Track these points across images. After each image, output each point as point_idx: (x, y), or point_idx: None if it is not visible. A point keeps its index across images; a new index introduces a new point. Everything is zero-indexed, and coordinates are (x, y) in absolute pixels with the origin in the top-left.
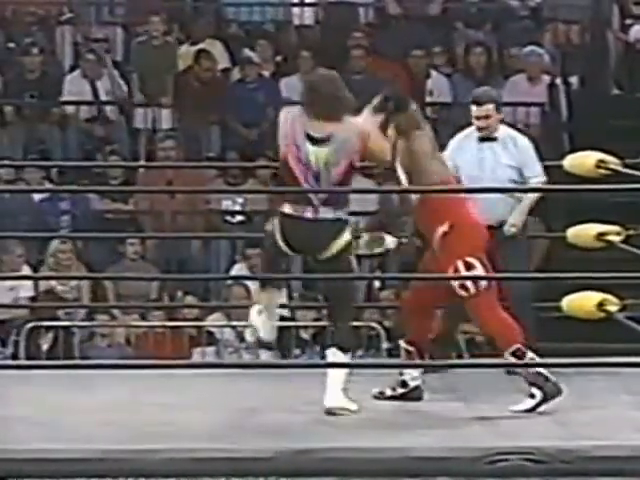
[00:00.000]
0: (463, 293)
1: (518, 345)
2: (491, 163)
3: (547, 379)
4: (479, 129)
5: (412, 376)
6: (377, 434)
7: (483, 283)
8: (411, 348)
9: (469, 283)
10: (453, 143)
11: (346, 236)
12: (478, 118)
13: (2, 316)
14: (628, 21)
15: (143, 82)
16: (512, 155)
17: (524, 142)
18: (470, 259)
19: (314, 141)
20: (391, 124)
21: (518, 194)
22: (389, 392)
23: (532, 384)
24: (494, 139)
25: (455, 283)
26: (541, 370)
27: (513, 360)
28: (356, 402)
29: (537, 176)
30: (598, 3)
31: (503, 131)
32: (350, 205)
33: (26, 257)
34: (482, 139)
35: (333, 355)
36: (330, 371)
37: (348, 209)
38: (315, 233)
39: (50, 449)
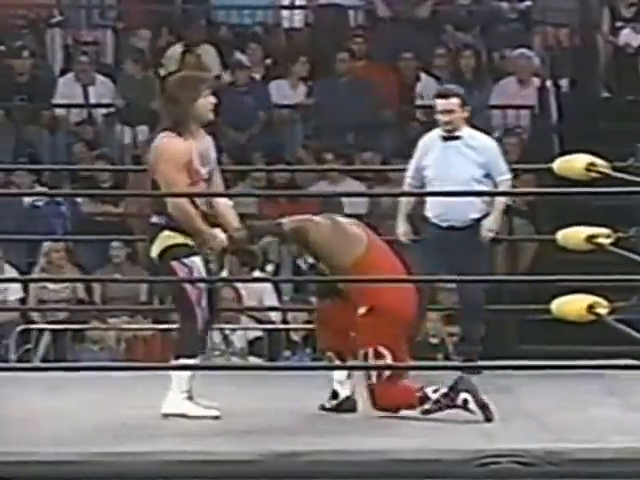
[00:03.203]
0: (366, 380)
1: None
2: (456, 162)
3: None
4: (444, 124)
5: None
6: (364, 436)
7: (387, 373)
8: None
9: (374, 373)
10: (419, 146)
11: (162, 241)
12: (442, 112)
13: None
14: (618, 24)
15: (130, 85)
16: (477, 154)
17: (488, 141)
18: (381, 349)
19: None
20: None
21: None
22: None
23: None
24: (458, 137)
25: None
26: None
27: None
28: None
29: (503, 174)
30: (587, 6)
31: (467, 131)
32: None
33: (13, 260)
34: (446, 138)
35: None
36: (173, 376)
37: (166, 215)
38: (148, 235)
39: (33, 452)
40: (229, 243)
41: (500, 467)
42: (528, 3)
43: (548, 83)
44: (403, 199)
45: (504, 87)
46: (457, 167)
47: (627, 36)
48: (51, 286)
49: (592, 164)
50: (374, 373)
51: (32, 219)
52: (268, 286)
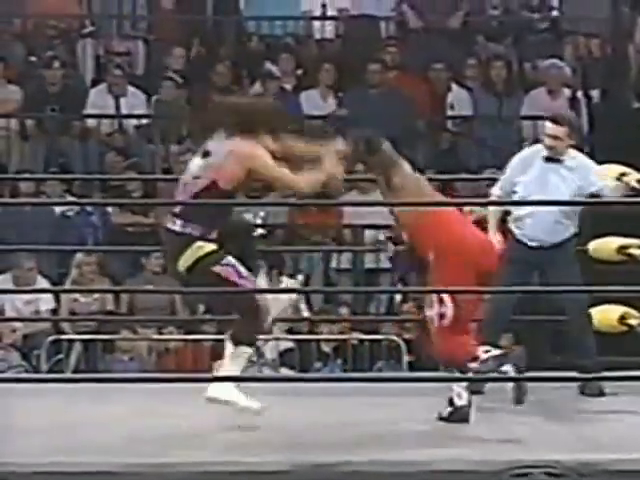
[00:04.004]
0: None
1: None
2: (552, 184)
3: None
4: (547, 148)
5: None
6: (398, 447)
7: (448, 317)
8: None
9: (435, 317)
10: (516, 160)
11: (193, 252)
12: (548, 136)
13: (24, 330)
14: None
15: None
16: (575, 175)
17: (584, 160)
18: (443, 297)
19: (204, 154)
20: (366, 166)
21: (572, 215)
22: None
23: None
24: (560, 161)
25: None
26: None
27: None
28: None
29: (593, 185)
30: (619, 16)
31: (569, 154)
32: (210, 222)
33: (45, 271)
34: (548, 159)
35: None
36: (225, 362)
37: (202, 226)
38: (168, 244)
39: (69, 462)
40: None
41: (532, 478)
42: (558, 14)
43: (579, 93)
44: (491, 208)
45: (535, 98)
46: (553, 189)
47: None
48: (83, 299)
49: (623, 174)
50: (437, 318)
51: (64, 229)
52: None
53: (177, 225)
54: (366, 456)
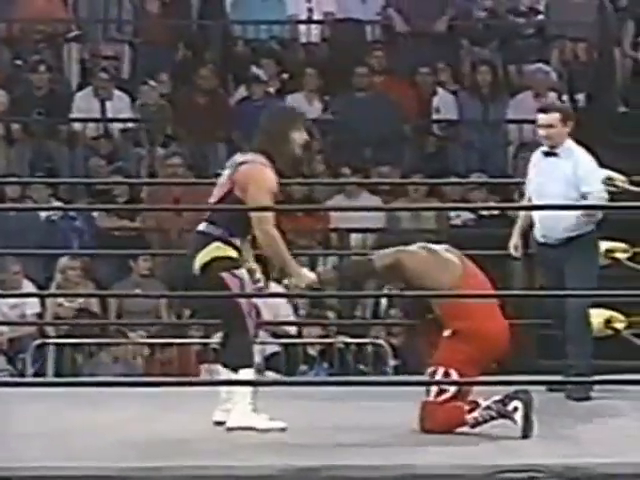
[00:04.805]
0: (424, 397)
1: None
2: (551, 178)
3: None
4: (543, 139)
5: None
6: (382, 452)
7: (448, 394)
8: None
9: (434, 389)
10: (530, 164)
11: (210, 251)
12: (541, 127)
13: (9, 334)
14: None
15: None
16: (572, 169)
17: (583, 155)
18: (451, 370)
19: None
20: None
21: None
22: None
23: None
24: (556, 154)
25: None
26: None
27: None
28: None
29: (590, 185)
30: (605, 20)
31: (567, 145)
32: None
33: (32, 275)
34: (546, 153)
35: (228, 375)
36: (234, 390)
37: (223, 227)
38: (191, 243)
39: (54, 467)
40: (317, 282)
41: None
42: (544, 17)
43: (565, 97)
44: (521, 213)
45: (521, 102)
46: (551, 183)
47: None
48: (67, 303)
49: (610, 178)
50: (434, 390)
51: (50, 233)
52: (283, 300)
53: (202, 226)
54: (350, 460)
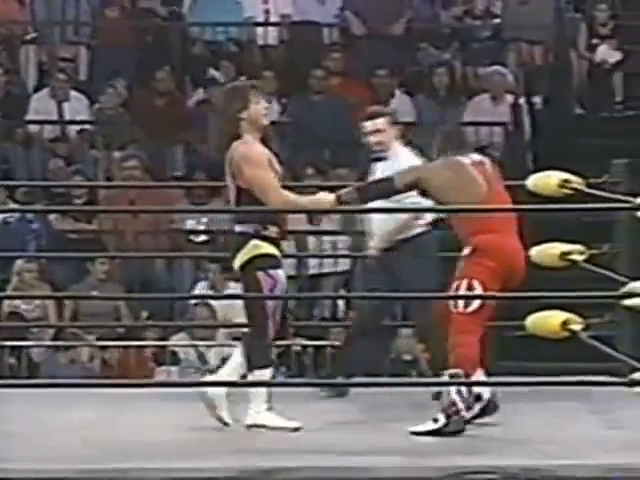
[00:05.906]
0: (452, 309)
1: (460, 371)
2: None
3: (458, 412)
4: (374, 146)
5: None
6: (344, 454)
7: (474, 305)
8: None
9: (460, 302)
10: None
11: (249, 250)
12: (369, 134)
13: None
14: (595, 41)
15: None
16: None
17: (406, 159)
18: (475, 281)
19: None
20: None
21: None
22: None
23: (443, 410)
24: (384, 159)
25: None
26: (458, 404)
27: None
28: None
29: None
30: (562, 23)
31: (395, 150)
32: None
33: None
34: (377, 159)
35: (253, 376)
36: (251, 389)
37: (253, 223)
38: (232, 245)
39: (14, 469)
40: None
41: None
42: (500, 21)
43: (522, 100)
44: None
45: (478, 104)
46: None
47: (604, 53)
48: (23, 306)
49: (566, 181)
50: (461, 303)
51: (7, 236)
52: (239, 301)
53: (237, 226)
54: (313, 462)
